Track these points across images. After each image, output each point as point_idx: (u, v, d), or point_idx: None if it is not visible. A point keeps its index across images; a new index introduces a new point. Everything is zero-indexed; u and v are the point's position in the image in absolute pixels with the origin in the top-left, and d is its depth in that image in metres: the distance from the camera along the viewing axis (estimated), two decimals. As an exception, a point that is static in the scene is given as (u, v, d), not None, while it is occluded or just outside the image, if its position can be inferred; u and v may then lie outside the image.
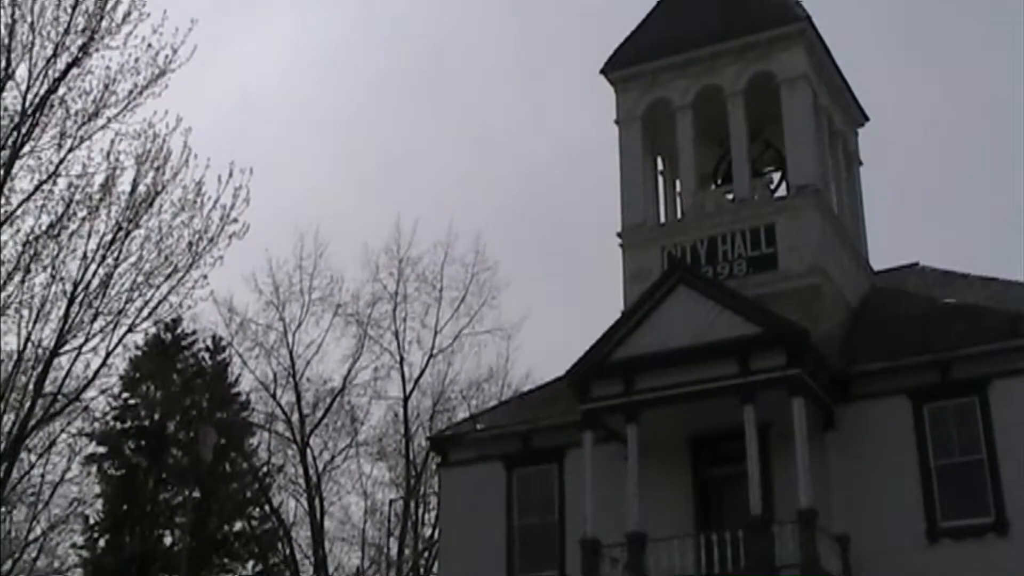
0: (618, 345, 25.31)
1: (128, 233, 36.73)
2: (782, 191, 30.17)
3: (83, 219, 36.29)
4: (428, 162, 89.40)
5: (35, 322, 36.29)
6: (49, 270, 36.14)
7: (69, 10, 34.27)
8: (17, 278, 35.75)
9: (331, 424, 51.58)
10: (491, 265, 52.92)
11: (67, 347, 36.42)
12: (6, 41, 33.63)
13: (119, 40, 34.62)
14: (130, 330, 37.59)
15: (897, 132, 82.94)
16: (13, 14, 33.76)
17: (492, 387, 52.45)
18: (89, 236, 36.35)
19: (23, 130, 34.57)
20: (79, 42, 34.35)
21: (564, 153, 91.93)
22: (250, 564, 52.52)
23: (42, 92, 34.44)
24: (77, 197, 36.08)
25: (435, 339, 51.36)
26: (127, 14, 34.60)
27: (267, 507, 52.06)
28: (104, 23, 34.52)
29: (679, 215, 30.58)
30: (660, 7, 32.00)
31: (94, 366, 37.49)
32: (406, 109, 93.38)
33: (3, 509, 41.18)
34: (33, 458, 42.04)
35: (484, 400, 49.97)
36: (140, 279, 36.78)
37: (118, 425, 51.20)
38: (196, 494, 44.24)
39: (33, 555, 46.54)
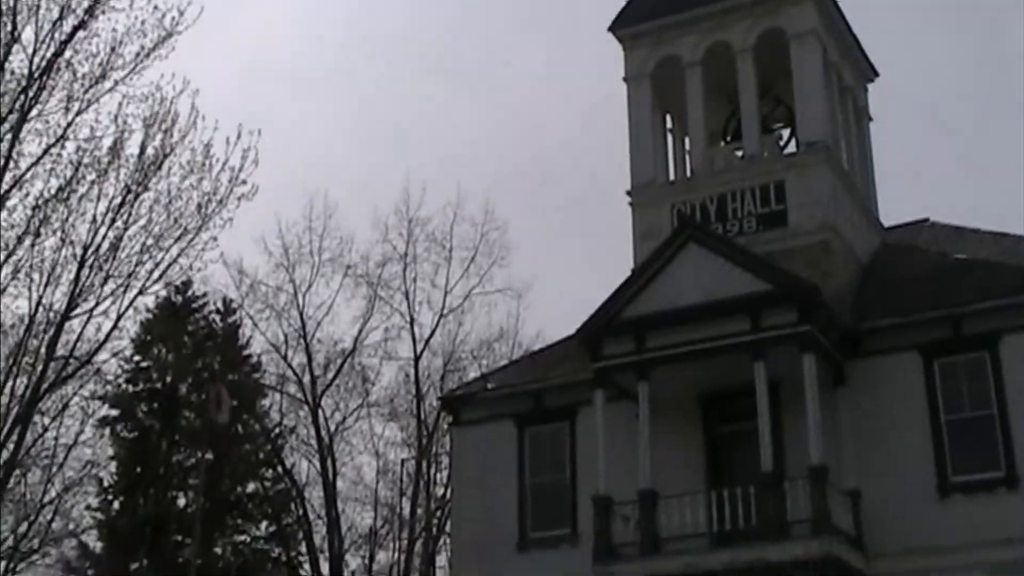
0: (628, 303, 25.31)
1: (137, 196, 36.78)
2: (792, 148, 30.11)
3: (92, 182, 36.35)
4: (437, 123, 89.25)
5: (46, 286, 36.42)
6: (59, 234, 36.24)
7: (74, -28, 34.24)
8: (27, 242, 35.85)
9: (342, 385, 51.80)
10: (501, 225, 52.97)
11: (78, 310, 36.56)
12: (12, 3, 33.55)
13: (125, 2, 34.58)
14: (141, 293, 37.71)
15: (907, 87, 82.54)
16: (19, -24, 33.72)
17: (503, 347, 52.61)
18: (98, 199, 36.42)
19: (30, 94, 34.57)
20: (85, 4, 34.29)
21: (573, 112, 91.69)
22: (263, 525, 52.87)
23: (48, 55, 34.41)
24: (85, 160, 36.13)
25: (445, 299, 51.49)
26: (132, -25, 34.58)
27: (280, 468, 52.32)
28: (109, -16, 34.50)
29: (688, 173, 30.51)
30: (668, -36, 31.79)
31: (105, 329, 37.64)
32: (414, 69, 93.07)
33: (18, 472, 41.40)
34: (46, 421, 42.30)
35: (495, 360, 50.13)
36: (150, 242, 36.87)
37: (130, 388, 51.43)
38: (209, 456, 44.42)
39: (48, 517, 46.87)
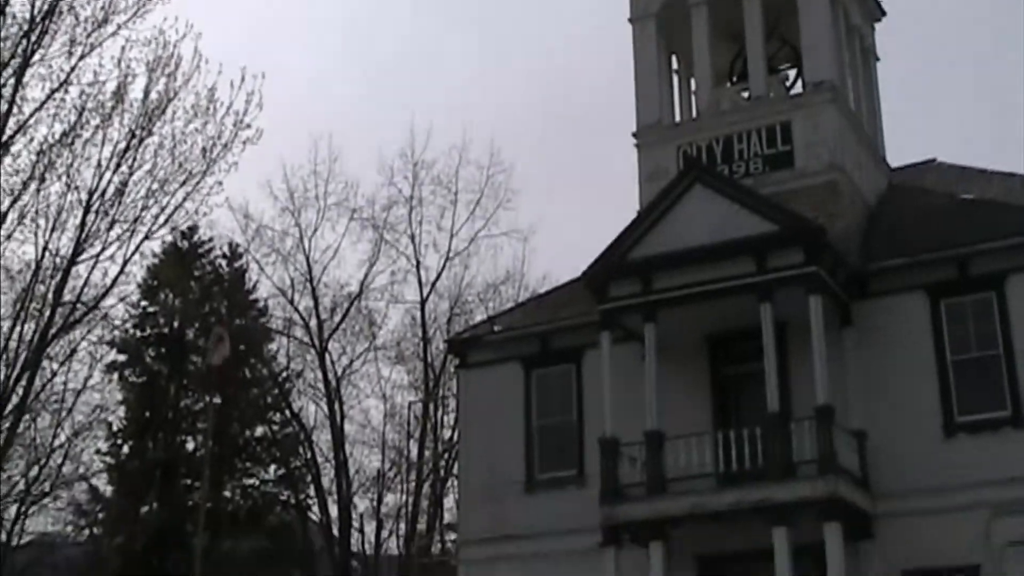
0: (635, 245, 25.29)
1: (142, 140, 36.78)
2: (798, 88, 29.92)
3: (96, 127, 36.33)
4: (441, 66, 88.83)
5: (52, 231, 36.50)
6: (64, 179, 36.26)
7: (75, -86, 34.03)
8: (33, 187, 35.87)
9: (349, 329, 51.95)
10: (506, 167, 52.89)
11: (84, 256, 36.66)
12: (12, -53, 33.41)
13: (125, -55, 34.42)
14: (147, 238, 37.82)
15: (914, 27, 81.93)
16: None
17: (509, 289, 52.71)
18: (103, 144, 36.42)
19: (32, 38, 34.46)
20: (85, -53, 34.13)
21: (579, 53, 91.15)
22: (272, 468, 53.17)
23: (50, -1, 34.28)
24: (89, 105, 36.07)
25: (451, 242, 51.53)
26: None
27: (287, 412, 52.57)
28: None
29: (694, 114, 30.36)
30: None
31: (112, 274, 37.77)
32: (418, 11, 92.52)
33: (28, 416, 41.62)
34: (55, 366, 42.52)
35: (501, 302, 50.24)
36: (155, 186, 36.91)
37: (138, 333, 51.57)
38: (217, 400, 44.61)
39: (59, 461, 47.23)
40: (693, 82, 30.75)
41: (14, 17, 33.93)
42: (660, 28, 30.16)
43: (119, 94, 36.50)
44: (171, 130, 37.06)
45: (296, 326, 51.93)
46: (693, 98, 30.86)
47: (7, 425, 38.21)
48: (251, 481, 52.57)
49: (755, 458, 23.07)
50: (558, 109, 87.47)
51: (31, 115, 35.24)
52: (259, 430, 52.93)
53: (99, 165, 36.31)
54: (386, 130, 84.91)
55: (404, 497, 51.44)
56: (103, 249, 36.82)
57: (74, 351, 43.04)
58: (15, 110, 34.75)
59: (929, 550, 23.02)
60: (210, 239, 53.42)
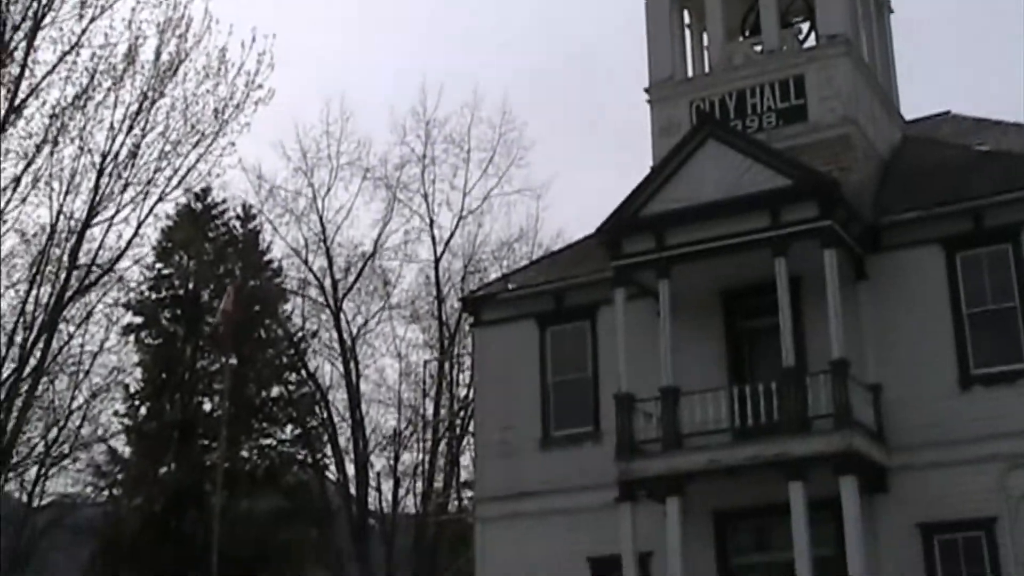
0: (648, 200, 25.22)
1: (153, 102, 36.85)
2: (811, 42, 29.72)
3: (108, 89, 36.39)
4: (451, 22, 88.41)
5: (66, 194, 36.64)
6: (77, 142, 36.37)
7: None
8: (46, 151, 35.96)
9: (363, 288, 52.05)
10: (518, 125, 52.76)
11: (99, 218, 36.82)
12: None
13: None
14: (160, 199, 37.96)
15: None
16: None
17: (523, 247, 52.70)
18: (115, 106, 36.50)
19: (43, 0, 34.42)
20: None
21: (591, 8, 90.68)
22: (288, 428, 53.47)
23: (61, -40, 34.24)
24: (101, 67, 36.12)
25: (464, 200, 51.53)
26: None
27: (303, 372, 52.77)
28: None
29: (707, 69, 30.19)
30: None
31: (126, 236, 37.93)
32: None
33: (46, 379, 41.87)
34: (71, 329, 42.74)
35: (515, 260, 50.24)
36: (168, 148, 37.02)
37: (153, 295, 51.77)
38: (233, 361, 44.80)
39: (77, 423, 47.60)
40: (705, 36, 30.56)
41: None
42: (672, -18, 29.95)
43: (130, 56, 36.55)
44: (183, 91, 37.14)
45: (311, 286, 52.11)
46: (706, 53, 30.68)
47: (26, 388, 38.46)
48: (268, 441, 52.89)
49: (770, 413, 23.08)
50: (570, 66, 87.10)
51: (43, 78, 35.30)
52: (275, 390, 53.18)
53: (112, 127, 36.41)
54: (397, 89, 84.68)
55: (420, 455, 51.74)
56: (117, 212, 36.99)
57: (90, 314, 43.29)
58: (27, 73, 34.82)
59: (945, 503, 23.04)
60: (223, 200, 53.57)
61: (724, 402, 23.74)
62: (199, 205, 52.66)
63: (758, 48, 29.30)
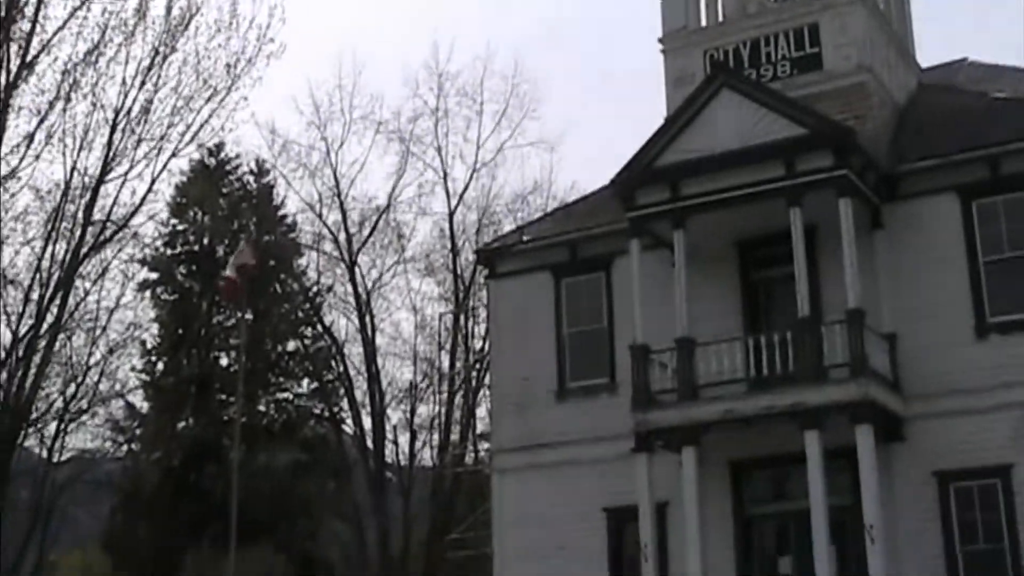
0: (663, 151, 25.13)
1: (165, 58, 36.83)
2: (826, -12, 29.45)
3: (119, 45, 36.37)
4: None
5: (80, 151, 36.71)
6: (90, 98, 36.38)
7: None
8: (59, 107, 35.96)
9: (378, 242, 52.11)
10: (531, 77, 52.59)
11: (112, 175, 36.91)
12: None
13: None
14: (173, 155, 38.02)
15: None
16: None
17: (537, 199, 52.66)
18: (127, 62, 36.48)
19: (53, -45, 34.29)
20: None
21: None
22: (305, 382, 53.73)
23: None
24: (112, 23, 36.08)
25: (478, 153, 51.47)
26: None
27: (319, 326, 52.94)
28: None
29: (720, 18, 29.96)
30: None
31: (140, 193, 38.04)
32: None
33: (63, 335, 42.07)
34: (88, 285, 42.95)
35: (530, 213, 50.19)
36: (180, 103, 37.03)
37: (168, 251, 51.91)
38: (249, 316, 44.95)
39: (95, 379, 47.85)
40: (719, -15, 30.32)
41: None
42: (685, -70, 29.68)
43: (141, 10, 36.49)
44: (194, 46, 37.11)
45: (325, 240, 52.17)
46: (719, 2, 30.42)
47: (43, 344, 38.65)
48: (285, 395, 53.17)
49: (786, 362, 23.07)
50: (583, 15, 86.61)
51: (54, 34, 35.28)
52: (291, 344, 53.40)
53: (124, 83, 36.40)
54: (410, 42, 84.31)
55: (437, 408, 51.96)
56: (131, 167, 37.06)
57: (106, 270, 43.47)
58: (38, 29, 34.76)
59: (961, 451, 23.02)
60: (237, 156, 53.60)
61: (739, 352, 23.72)
62: (213, 160, 52.68)
63: (772, -4, 29.04)
